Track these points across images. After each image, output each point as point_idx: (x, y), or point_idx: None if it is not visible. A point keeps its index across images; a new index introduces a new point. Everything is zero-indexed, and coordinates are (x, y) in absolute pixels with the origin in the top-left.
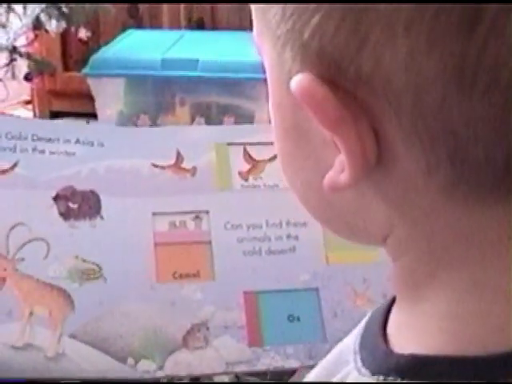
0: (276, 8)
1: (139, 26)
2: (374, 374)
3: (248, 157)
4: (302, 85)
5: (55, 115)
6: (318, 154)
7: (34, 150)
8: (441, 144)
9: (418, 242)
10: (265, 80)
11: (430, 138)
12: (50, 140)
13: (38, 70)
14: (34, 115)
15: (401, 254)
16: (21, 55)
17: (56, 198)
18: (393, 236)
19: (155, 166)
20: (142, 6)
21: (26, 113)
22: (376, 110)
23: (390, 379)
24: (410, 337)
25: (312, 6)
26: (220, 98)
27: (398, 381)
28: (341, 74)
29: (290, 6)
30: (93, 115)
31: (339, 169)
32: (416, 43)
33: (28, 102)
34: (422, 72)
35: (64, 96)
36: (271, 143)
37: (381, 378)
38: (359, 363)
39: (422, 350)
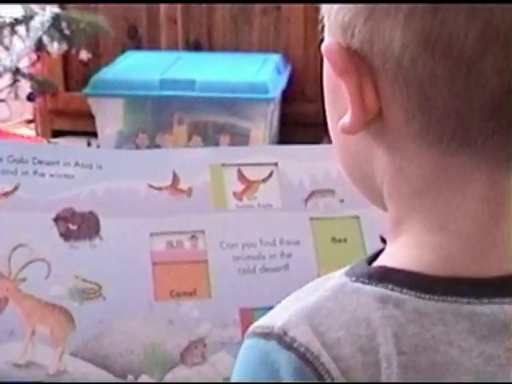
0: None
1: (138, 47)
2: (347, 275)
3: (242, 177)
4: (326, 45)
5: (57, 134)
6: (341, 105)
7: (35, 173)
8: (413, 97)
9: (402, 187)
10: (259, 100)
11: (407, 92)
12: (50, 163)
13: (41, 90)
14: (37, 134)
15: (390, 198)
16: (24, 76)
17: (56, 220)
18: (385, 182)
19: (152, 187)
20: (141, 28)
21: (29, 132)
22: (375, 68)
23: (360, 279)
24: (385, 258)
25: None
26: (216, 117)
27: (366, 281)
28: (352, 38)
29: None
30: (93, 134)
31: (348, 114)
32: (398, 17)
33: (30, 121)
34: (400, 38)
35: (65, 115)
36: (265, 164)
37: (353, 279)
38: (342, 274)
39: (392, 265)
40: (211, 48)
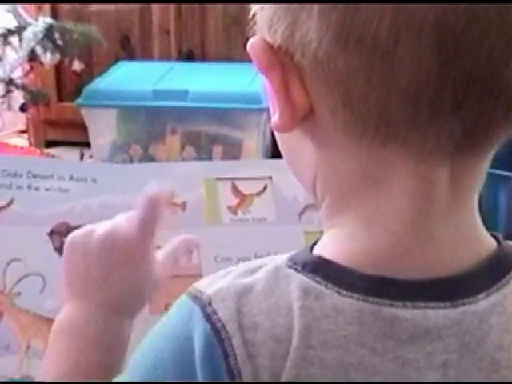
0: None
1: (131, 57)
2: (288, 259)
3: (236, 191)
4: (251, 41)
5: (50, 144)
6: (273, 102)
7: (30, 187)
8: (335, 91)
9: (334, 182)
10: (252, 110)
11: (328, 86)
12: (44, 177)
13: (34, 100)
14: (30, 144)
15: (324, 194)
16: (17, 87)
17: (51, 234)
18: (318, 178)
19: None
20: (134, 39)
21: (22, 142)
22: (299, 63)
23: (294, 266)
24: (321, 248)
25: None
26: (209, 127)
27: (299, 269)
28: (275, 35)
29: None
30: (86, 144)
31: (276, 113)
32: (313, 12)
33: (23, 132)
34: (316, 33)
35: (58, 126)
36: (259, 178)
37: (289, 264)
38: (285, 257)
39: (327, 255)
40: (204, 58)
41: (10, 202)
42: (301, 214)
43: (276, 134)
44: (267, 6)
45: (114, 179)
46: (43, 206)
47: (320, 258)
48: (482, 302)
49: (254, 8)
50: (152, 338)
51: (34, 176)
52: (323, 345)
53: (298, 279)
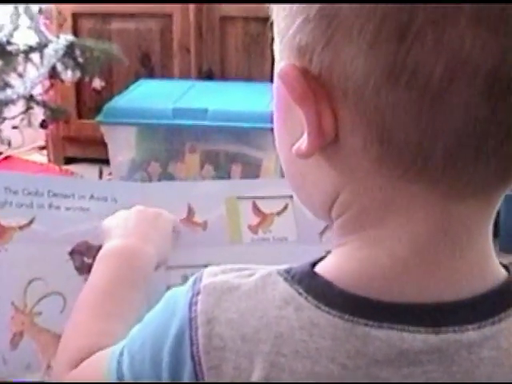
0: (281, 9)
1: (151, 75)
2: (285, 268)
3: (257, 210)
4: (282, 68)
5: (69, 161)
6: (295, 128)
7: (50, 206)
8: (373, 125)
9: (352, 205)
10: (271, 129)
11: (367, 121)
12: (65, 196)
13: (54, 117)
14: (49, 160)
15: (340, 214)
16: (37, 103)
17: (72, 253)
18: (340, 198)
19: None
20: (154, 57)
21: (41, 158)
22: (334, 94)
23: (284, 275)
24: (321, 264)
25: (298, 9)
26: (228, 146)
27: (288, 278)
28: (310, 64)
29: (286, 7)
30: (105, 161)
31: (304, 139)
32: (361, 46)
33: (43, 148)
34: (363, 67)
35: (78, 142)
36: (280, 197)
37: (280, 272)
38: (281, 271)
39: (319, 270)
40: (224, 77)
41: (31, 221)
42: (322, 233)
43: (287, 157)
44: (302, 33)
45: (135, 198)
46: (64, 225)
47: (311, 270)
48: (471, 332)
49: (279, 31)
50: (151, 313)
51: (55, 195)
52: (294, 354)
53: (282, 288)
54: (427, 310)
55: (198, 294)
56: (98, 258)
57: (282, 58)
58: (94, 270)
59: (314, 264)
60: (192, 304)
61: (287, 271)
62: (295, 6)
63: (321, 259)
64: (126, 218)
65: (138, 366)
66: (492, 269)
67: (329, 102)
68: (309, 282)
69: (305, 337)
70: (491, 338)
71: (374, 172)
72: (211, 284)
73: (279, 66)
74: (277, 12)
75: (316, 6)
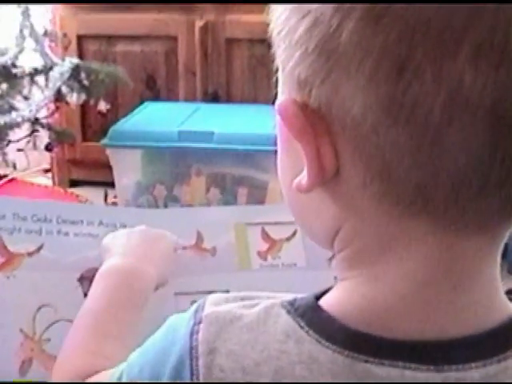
0: (282, 41)
1: (156, 98)
2: (289, 300)
3: (266, 236)
4: (281, 103)
5: (74, 184)
6: (296, 163)
7: (59, 232)
8: (373, 163)
9: (354, 240)
10: (277, 152)
11: (366, 158)
12: (74, 222)
13: (59, 140)
14: (54, 183)
15: (342, 249)
16: (42, 126)
17: (81, 280)
18: (341, 233)
19: (176, 246)
20: (160, 79)
21: (46, 181)
22: (333, 129)
23: (287, 307)
24: (326, 296)
25: (297, 41)
26: (234, 169)
27: (291, 311)
28: (309, 97)
29: (286, 40)
30: (110, 184)
31: (304, 175)
32: (359, 81)
33: (47, 171)
34: (361, 103)
35: (83, 165)
36: (288, 223)
37: (284, 304)
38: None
39: (324, 303)
40: (229, 99)
41: (40, 248)
42: (330, 259)
43: (289, 190)
44: (301, 66)
45: (144, 224)
46: (73, 252)
47: (315, 303)
48: (474, 371)
49: (280, 61)
50: (151, 339)
51: (64, 221)
52: None
53: (284, 321)
54: (429, 347)
55: (199, 322)
56: (97, 275)
57: (283, 92)
58: (92, 288)
59: (320, 295)
60: (193, 333)
61: (291, 303)
62: (295, 38)
63: (327, 290)
64: (127, 236)
65: None
66: (498, 305)
67: (329, 136)
68: (311, 315)
69: (304, 372)
70: (495, 376)
71: (374, 209)
72: (213, 313)
73: (278, 100)
74: (278, 43)
75: (315, 39)
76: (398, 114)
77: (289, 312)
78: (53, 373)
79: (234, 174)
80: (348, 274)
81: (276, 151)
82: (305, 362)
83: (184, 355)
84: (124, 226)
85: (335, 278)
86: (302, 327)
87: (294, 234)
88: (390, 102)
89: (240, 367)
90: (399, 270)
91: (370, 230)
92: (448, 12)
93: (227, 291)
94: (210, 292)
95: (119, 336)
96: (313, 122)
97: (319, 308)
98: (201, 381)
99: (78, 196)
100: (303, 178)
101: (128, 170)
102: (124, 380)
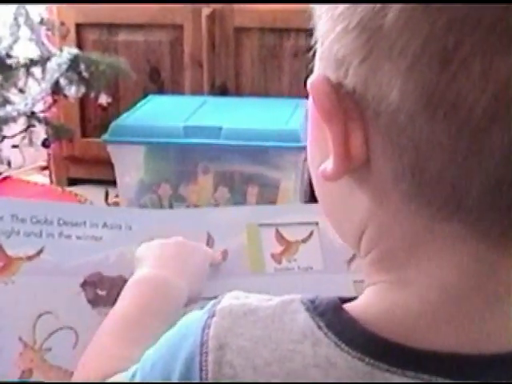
0: (324, 12)
1: (160, 91)
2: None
3: (280, 238)
4: (313, 80)
5: (73, 182)
6: (324, 149)
7: (60, 234)
8: (406, 156)
9: (382, 242)
10: (290, 149)
11: (399, 149)
12: (76, 224)
13: (56, 136)
14: (51, 181)
15: (369, 250)
16: (39, 121)
17: (84, 285)
18: (366, 234)
19: None
20: (164, 71)
21: (43, 179)
22: (367, 114)
23: (307, 304)
24: (354, 303)
25: (339, 16)
26: (244, 166)
27: (310, 308)
28: (345, 78)
29: (329, 11)
30: (112, 182)
31: (330, 161)
32: (401, 66)
33: (44, 168)
34: (400, 90)
35: (82, 162)
36: (304, 223)
37: (304, 301)
38: (305, 300)
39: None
40: (238, 92)
41: (40, 251)
42: (349, 261)
43: (317, 179)
44: (340, 44)
45: (151, 226)
46: (75, 255)
47: (337, 304)
48: None
49: (319, 34)
50: (164, 335)
51: (65, 223)
52: None
53: (302, 319)
54: (458, 362)
55: (212, 316)
56: (127, 284)
57: (319, 68)
58: (122, 295)
59: (347, 300)
60: (205, 327)
61: (312, 300)
62: (337, 12)
63: (354, 298)
64: (162, 248)
65: None
66: None
67: (360, 122)
68: (332, 316)
69: (320, 376)
70: None
71: (403, 207)
72: (228, 307)
73: (311, 77)
74: (319, 15)
75: (358, 15)
76: (437, 106)
77: (308, 309)
78: (75, 373)
79: (244, 172)
80: (375, 279)
81: (289, 148)
82: (321, 365)
83: (194, 350)
84: (129, 228)
85: (354, 282)
86: (320, 327)
87: (311, 235)
88: (431, 92)
89: (251, 365)
90: (429, 277)
91: (397, 231)
92: (503, 5)
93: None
94: None
95: (147, 344)
96: (345, 104)
97: (341, 309)
98: (209, 378)
99: (76, 195)
100: (329, 164)
101: (130, 167)
102: (137, 377)
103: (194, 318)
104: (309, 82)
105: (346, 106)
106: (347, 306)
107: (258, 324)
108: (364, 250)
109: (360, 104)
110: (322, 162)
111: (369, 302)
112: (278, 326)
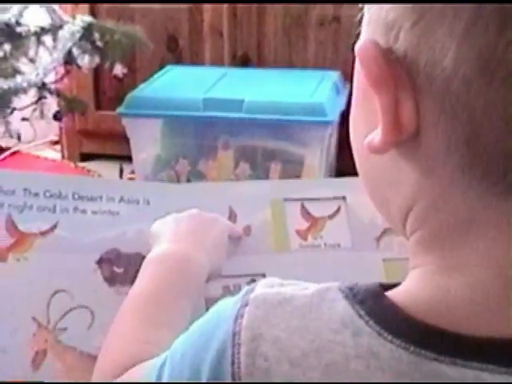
0: None
1: (179, 61)
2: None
3: (306, 214)
4: (361, 45)
5: (85, 157)
6: (372, 119)
7: (75, 209)
8: (460, 126)
9: (431, 219)
10: (315, 123)
11: (452, 119)
12: (91, 199)
13: (69, 108)
14: (63, 157)
15: (415, 229)
16: (50, 92)
17: (100, 262)
18: (414, 210)
19: None
20: (183, 40)
21: (54, 154)
22: (418, 81)
23: (346, 291)
24: (397, 289)
25: None
26: (266, 141)
27: (349, 296)
28: (396, 43)
29: None
30: (127, 158)
31: (378, 132)
32: (455, 29)
33: (56, 143)
34: (454, 54)
35: (96, 137)
36: (331, 198)
37: (342, 288)
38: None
39: (390, 292)
40: (261, 64)
41: (54, 227)
42: (379, 239)
43: (360, 153)
44: (391, 5)
45: (170, 201)
46: (91, 231)
47: (378, 290)
48: None
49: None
50: (195, 323)
51: (80, 197)
52: None
53: (342, 307)
54: (509, 346)
55: (246, 305)
56: (144, 262)
57: (367, 32)
58: (140, 274)
59: (390, 287)
60: (238, 316)
61: (350, 288)
62: None
63: (397, 285)
64: (177, 222)
65: (176, 377)
66: None
67: (411, 90)
68: (373, 303)
69: (361, 367)
70: None
71: (456, 180)
72: (262, 295)
73: (359, 42)
74: None
75: None
76: (494, 72)
77: (347, 297)
78: (97, 361)
79: (266, 148)
80: (421, 261)
81: (314, 122)
82: (362, 356)
83: (226, 341)
84: (147, 203)
85: (383, 260)
86: (360, 316)
87: (338, 210)
88: (488, 57)
89: (286, 357)
90: (483, 260)
91: (450, 207)
92: None
93: (263, 275)
94: (244, 275)
95: (170, 323)
96: (395, 71)
97: (382, 295)
98: (242, 371)
99: (89, 171)
100: (376, 135)
101: (147, 142)
102: (167, 367)
103: (227, 305)
104: (356, 46)
105: (396, 73)
106: (389, 293)
107: (294, 313)
108: (410, 228)
109: (411, 70)
110: (367, 133)
111: (412, 286)
112: (316, 316)
